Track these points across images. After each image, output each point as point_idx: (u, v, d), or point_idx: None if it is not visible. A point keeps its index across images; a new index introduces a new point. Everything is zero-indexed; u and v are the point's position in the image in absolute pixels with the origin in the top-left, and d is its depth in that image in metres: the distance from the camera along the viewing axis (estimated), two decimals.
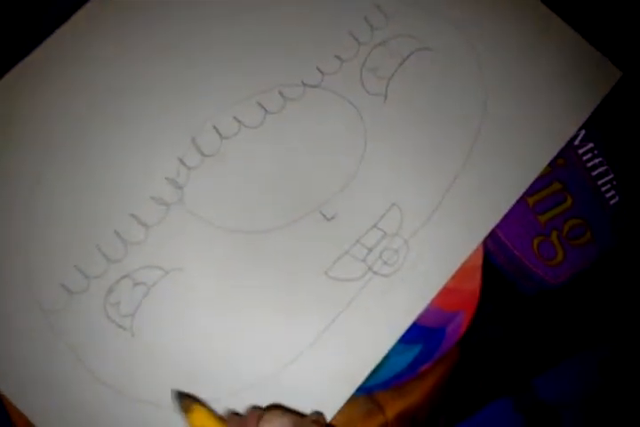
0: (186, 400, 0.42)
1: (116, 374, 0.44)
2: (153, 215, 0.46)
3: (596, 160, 0.67)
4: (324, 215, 0.48)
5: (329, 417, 0.46)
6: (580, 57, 0.54)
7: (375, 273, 0.48)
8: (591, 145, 0.67)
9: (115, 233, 0.45)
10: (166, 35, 0.48)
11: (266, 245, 0.47)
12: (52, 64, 0.46)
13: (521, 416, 0.57)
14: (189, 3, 0.48)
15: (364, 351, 0.47)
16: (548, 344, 0.66)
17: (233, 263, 0.47)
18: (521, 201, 0.54)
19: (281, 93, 0.49)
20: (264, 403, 0.45)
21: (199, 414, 0.41)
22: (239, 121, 0.48)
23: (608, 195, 0.67)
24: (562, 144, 0.53)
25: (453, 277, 0.49)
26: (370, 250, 0.48)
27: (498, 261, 0.66)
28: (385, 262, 0.48)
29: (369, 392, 0.56)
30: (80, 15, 0.47)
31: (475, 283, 0.56)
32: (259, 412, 0.43)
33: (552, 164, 0.54)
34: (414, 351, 0.54)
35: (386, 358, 0.48)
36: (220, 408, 0.44)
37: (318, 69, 0.50)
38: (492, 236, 0.62)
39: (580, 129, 0.55)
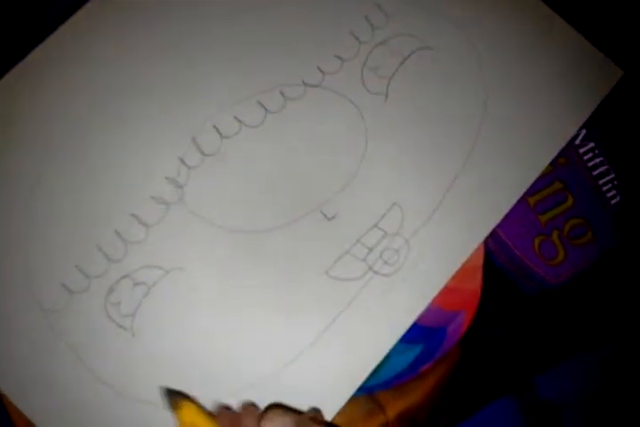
0: (174, 397, 0.42)
1: (117, 373, 0.44)
2: (153, 215, 0.46)
3: (597, 160, 0.67)
4: (325, 215, 0.48)
5: (330, 417, 0.46)
6: (580, 56, 0.54)
7: (376, 273, 0.48)
8: (592, 144, 0.67)
9: (115, 233, 0.45)
10: (166, 34, 0.48)
11: (266, 245, 0.47)
12: (52, 64, 0.46)
13: (522, 416, 0.57)
14: (189, 2, 0.48)
15: (365, 351, 0.47)
16: (548, 344, 0.66)
17: (233, 263, 0.46)
18: (522, 201, 0.54)
19: (282, 93, 0.49)
20: (264, 403, 0.45)
21: (188, 411, 0.41)
22: (240, 120, 0.48)
23: (609, 194, 0.67)
24: (563, 144, 0.53)
25: (454, 277, 0.49)
26: (370, 250, 0.48)
27: (499, 260, 0.66)
28: (385, 262, 0.48)
29: (370, 392, 0.56)
30: (80, 15, 0.47)
31: (476, 283, 0.56)
32: (254, 408, 0.43)
33: (553, 163, 0.54)
34: (415, 351, 0.54)
35: (387, 357, 0.47)
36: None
37: (319, 69, 0.50)
38: (493, 235, 0.62)
39: (580, 128, 0.55)
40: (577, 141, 0.66)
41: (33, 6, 0.54)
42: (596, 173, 0.67)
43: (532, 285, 0.65)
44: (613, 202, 0.66)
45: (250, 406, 0.44)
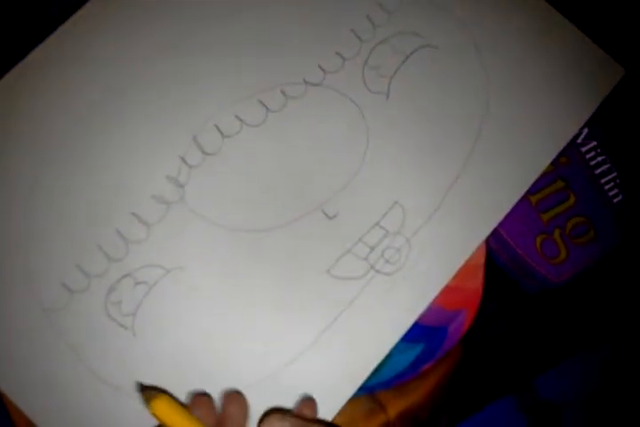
0: (147, 391, 0.42)
1: (117, 373, 0.44)
2: (154, 214, 0.46)
3: (599, 158, 0.67)
4: (326, 214, 0.48)
5: (330, 416, 0.46)
6: (582, 54, 0.54)
7: (377, 272, 0.48)
8: (594, 143, 0.67)
9: (116, 232, 0.45)
10: (167, 33, 0.47)
11: (267, 244, 0.47)
12: (52, 64, 0.46)
13: (522, 415, 0.57)
14: (189, 2, 0.48)
15: (366, 350, 0.47)
16: (550, 343, 0.65)
17: (234, 262, 0.46)
18: (524, 199, 0.54)
19: (283, 92, 0.49)
20: (265, 403, 0.45)
21: (161, 403, 0.40)
22: (241, 119, 0.48)
23: (611, 193, 0.66)
24: (565, 142, 0.53)
25: (456, 276, 0.49)
26: (372, 248, 0.48)
27: (500, 259, 0.66)
28: (387, 261, 0.48)
29: (371, 391, 0.56)
30: (80, 14, 0.47)
31: (477, 281, 0.56)
32: (209, 398, 0.43)
33: (555, 162, 0.53)
34: (416, 350, 0.54)
35: (388, 357, 0.47)
36: (220, 408, 0.44)
37: (320, 67, 0.50)
38: (495, 234, 0.62)
39: (582, 127, 0.55)
40: (579, 140, 0.66)
41: (33, 6, 0.54)
42: (598, 171, 0.67)
43: (534, 284, 0.65)
44: (615, 200, 0.66)
45: (232, 394, 0.44)
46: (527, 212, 0.64)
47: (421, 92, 0.51)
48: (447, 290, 0.49)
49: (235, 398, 0.43)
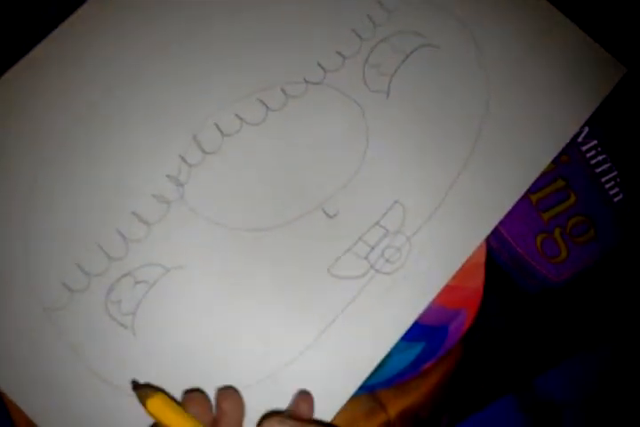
0: (142, 389, 0.42)
1: (117, 372, 0.44)
2: (154, 213, 0.46)
3: (600, 157, 0.67)
4: (326, 213, 0.48)
5: (331, 416, 0.46)
6: (583, 53, 0.54)
7: (377, 271, 0.48)
8: (595, 142, 0.67)
9: (116, 231, 0.45)
10: (167, 32, 0.47)
11: (267, 243, 0.47)
12: (52, 62, 0.46)
13: (522, 415, 0.57)
14: (190, 1, 0.48)
15: (367, 350, 0.47)
16: (550, 342, 0.65)
17: (234, 261, 0.46)
18: (524, 198, 0.54)
19: (283, 90, 0.49)
20: (264, 403, 0.45)
21: (156, 401, 0.40)
22: (241, 118, 0.48)
23: (612, 192, 0.66)
24: (565, 142, 0.53)
25: (456, 275, 0.49)
26: (372, 248, 0.48)
27: (501, 258, 0.66)
28: (387, 260, 0.48)
29: (371, 391, 0.56)
30: (80, 13, 0.46)
31: (477, 281, 0.56)
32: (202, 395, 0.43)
33: (556, 161, 0.53)
34: (417, 349, 0.54)
35: (388, 356, 0.47)
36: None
37: (320, 66, 0.50)
38: (495, 233, 0.62)
39: (583, 126, 0.55)
40: (580, 139, 0.66)
41: (33, 5, 0.54)
42: (598, 170, 0.67)
43: (535, 283, 0.65)
44: (616, 200, 0.66)
45: (226, 392, 0.44)
46: (527, 211, 0.64)
47: (422, 90, 0.51)
48: (447, 289, 0.49)
49: (229, 394, 0.43)
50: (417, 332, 0.50)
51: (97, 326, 0.44)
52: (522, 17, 0.53)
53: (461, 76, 0.52)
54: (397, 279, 0.48)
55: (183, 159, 0.47)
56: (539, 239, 0.64)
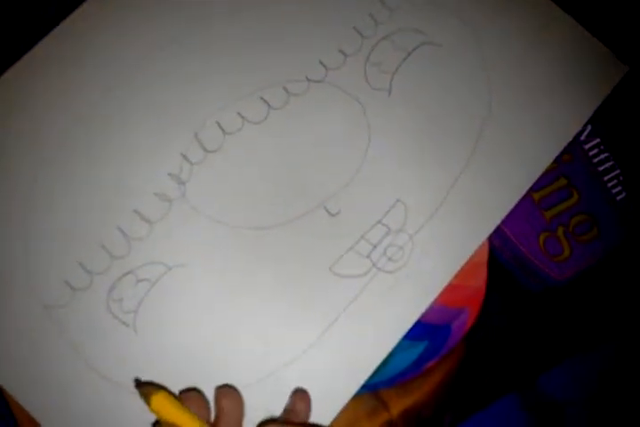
0: (144, 387, 0.42)
1: (118, 370, 0.44)
2: (156, 211, 0.46)
3: (603, 156, 0.67)
4: (328, 211, 0.48)
5: (333, 415, 0.46)
6: (584, 51, 0.54)
7: (380, 269, 0.48)
8: (597, 140, 0.67)
9: (118, 229, 0.45)
10: (167, 31, 0.47)
11: (269, 242, 0.47)
12: (52, 62, 0.46)
13: (525, 413, 0.57)
14: (190, 0, 0.48)
15: (369, 348, 0.47)
16: (553, 341, 0.65)
17: (236, 260, 0.46)
18: (527, 197, 0.54)
19: (285, 89, 0.49)
20: (267, 401, 0.45)
21: (159, 398, 0.40)
22: (242, 117, 0.48)
23: (614, 190, 0.66)
24: (568, 140, 0.53)
25: (458, 274, 0.49)
26: (374, 246, 0.48)
27: (503, 257, 0.66)
28: (389, 259, 0.48)
29: (374, 389, 0.56)
30: (80, 12, 0.46)
31: (480, 279, 0.56)
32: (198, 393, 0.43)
33: (558, 159, 0.53)
34: (419, 348, 0.54)
35: (391, 355, 0.47)
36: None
37: (322, 64, 0.50)
38: (498, 232, 0.62)
39: (586, 124, 0.55)
40: (582, 137, 0.66)
41: (32, 4, 0.54)
42: (601, 168, 0.66)
43: (537, 281, 0.65)
44: (619, 198, 0.66)
45: (224, 390, 0.44)
46: (530, 209, 0.64)
47: (423, 88, 0.51)
48: (450, 288, 0.49)
49: (228, 393, 0.43)
50: (419, 331, 0.49)
51: (98, 324, 0.44)
52: (522, 14, 0.53)
53: (463, 75, 0.52)
54: (400, 278, 0.48)
55: (185, 157, 0.47)
56: (541, 238, 0.64)
